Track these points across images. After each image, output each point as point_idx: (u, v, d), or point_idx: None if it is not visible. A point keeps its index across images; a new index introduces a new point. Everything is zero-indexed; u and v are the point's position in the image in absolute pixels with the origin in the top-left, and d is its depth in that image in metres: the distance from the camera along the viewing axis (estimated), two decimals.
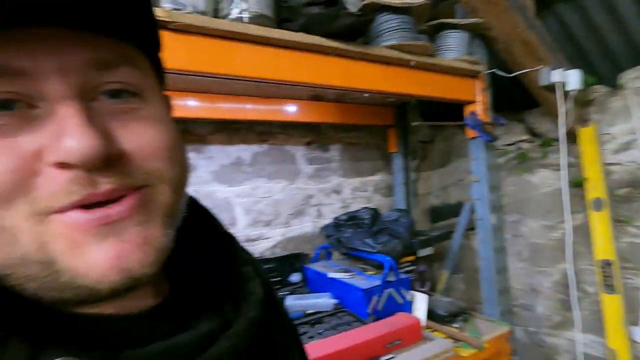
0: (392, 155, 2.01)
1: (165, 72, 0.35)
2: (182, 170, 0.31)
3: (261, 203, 1.68)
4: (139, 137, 0.27)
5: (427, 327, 1.31)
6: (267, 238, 1.69)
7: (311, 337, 1.16)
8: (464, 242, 1.82)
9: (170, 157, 0.29)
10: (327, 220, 1.82)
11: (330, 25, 0.99)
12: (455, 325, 1.36)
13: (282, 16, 1.03)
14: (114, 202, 0.25)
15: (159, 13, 0.81)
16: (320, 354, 0.95)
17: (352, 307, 1.33)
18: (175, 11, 0.83)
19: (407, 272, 1.59)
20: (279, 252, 1.69)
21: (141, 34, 0.29)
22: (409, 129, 1.97)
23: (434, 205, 2.17)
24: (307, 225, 1.81)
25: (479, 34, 1.43)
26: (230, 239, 0.41)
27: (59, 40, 0.24)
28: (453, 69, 1.37)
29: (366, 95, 1.58)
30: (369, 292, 1.27)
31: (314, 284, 1.56)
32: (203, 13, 0.87)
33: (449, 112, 1.84)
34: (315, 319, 1.30)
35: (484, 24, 1.33)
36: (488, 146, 1.55)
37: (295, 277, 1.60)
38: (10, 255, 0.24)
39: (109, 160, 0.24)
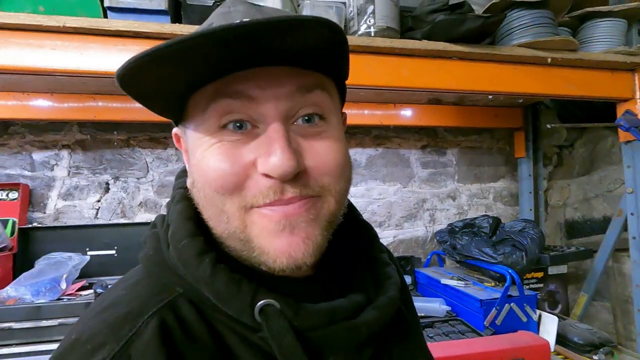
0: (518, 160, 1.84)
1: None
2: (346, 184, 0.38)
3: (374, 204, 1.75)
4: (319, 157, 0.35)
5: (557, 353, 1.17)
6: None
7: None
8: (611, 265, 1.55)
9: (340, 174, 0.36)
10: (441, 225, 1.78)
11: (456, 30, 1.00)
12: (595, 357, 1.18)
13: (407, 26, 1.08)
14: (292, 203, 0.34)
15: None
16: (436, 356, 0.96)
17: (467, 317, 1.28)
18: None
19: (534, 289, 1.44)
20: None
21: (334, 67, 0.38)
22: (541, 132, 1.77)
23: (572, 219, 1.89)
24: (419, 229, 1.80)
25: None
26: (369, 228, 0.49)
27: (275, 75, 0.34)
28: (603, 63, 1.19)
29: (490, 97, 1.50)
30: (487, 304, 1.21)
31: (424, 289, 1.55)
32: None
33: (594, 111, 1.59)
34: (427, 322, 1.29)
35: None
36: None
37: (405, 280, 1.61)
38: (226, 230, 0.36)
39: (296, 174, 0.33)
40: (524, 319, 1.24)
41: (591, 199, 1.82)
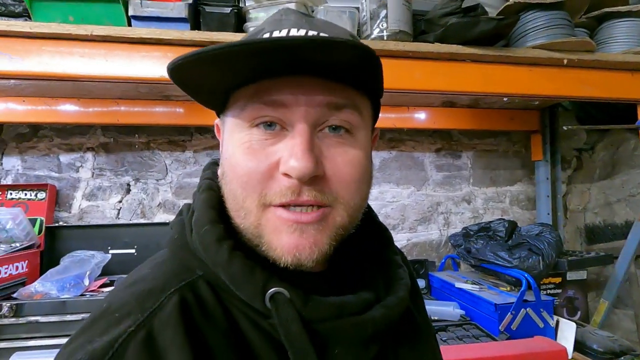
0: (535, 163, 1.81)
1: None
2: (361, 200, 0.40)
3: (388, 207, 1.76)
4: (338, 168, 0.37)
5: None
6: None
7: None
8: (633, 271, 1.50)
9: (355, 189, 0.38)
10: (456, 229, 1.77)
11: (469, 32, 1.00)
12: None
13: (419, 29, 1.09)
14: (306, 211, 0.36)
15: None
16: (448, 358, 0.95)
17: (482, 322, 1.27)
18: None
19: (551, 294, 1.41)
20: None
21: (368, 85, 0.39)
22: (559, 135, 1.73)
23: (592, 224, 1.84)
24: (434, 232, 1.79)
25: None
26: (384, 230, 0.50)
27: (309, 85, 0.36)
28: (622, 63, 1.17)
29: (506, 99, 1.48)
30: (502, 308, 1.19)
31: (438, 293, 1.54)
32: None
33: (615, 113, 1.56)
34: (440, 326, 1.28)
35: None
36: None
37: (418, 283, 1.60)
38: (242, 224, 0.38)
39: (314, 178, 0.35)
40: (541, 325, 1.22)
41: (613, 204, 1.77)
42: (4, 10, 0.91)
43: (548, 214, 1.72)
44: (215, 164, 0.46)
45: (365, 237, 0.47)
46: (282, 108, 0.36)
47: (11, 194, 1.45)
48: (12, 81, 1.23)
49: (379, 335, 0.39)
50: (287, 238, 0.36)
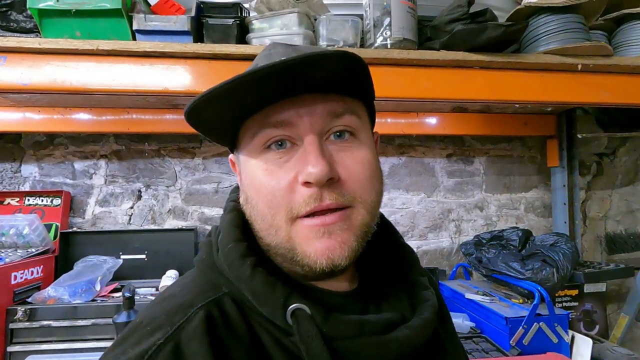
0: (551, 170, 1.74)
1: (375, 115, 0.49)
2: (377, 197, 0.42)
3: (397, 214, 1.73)
4: (350, 170, 0.40)
5: None
6: None
7: None
8: None
9: (369, 186, 0.41)
10: (468, 237, 1.72)
11: (475, 39, 0.97)
12: None
13: (425, 36, 1.06)
14: (329, 213, 0.39)
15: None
16: None
17: (492, 335, 1.23)
18: (330, 47, 0.98)
19: (567, 307, 1.36)
20: None
21: (361, 92, 0.43)
22: (577, 140, 1.66)
23: (613, 233, 1.76)
24: (444, 240, 1.75)
25: None
26: (411, 253, 0.51)
27: (309, 100, 0.39)
28: None
29: (517, 105, 1.44)
30: (513, 322, 1.15)
31: (448, 303, 1.50)
32: (352, 45, 1.00)
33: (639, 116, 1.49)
34: None
35: None
36: None
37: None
38: (273, 240, 0.40)
39: (331, 181, 0.38)
40: (555, 340, 1.17)
41: (635, 211, 1.69)
42: (16, 26, 0.94)
43: (565, 222, 1.66)
44: (239, 188, 0.49)
45: (392, 260, 0.49)
46: (288, 125, 0.39)
47: (29, 200, 1.51)
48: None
49: (403, 357, 0.39)
50: (317, 243, 0.38)
